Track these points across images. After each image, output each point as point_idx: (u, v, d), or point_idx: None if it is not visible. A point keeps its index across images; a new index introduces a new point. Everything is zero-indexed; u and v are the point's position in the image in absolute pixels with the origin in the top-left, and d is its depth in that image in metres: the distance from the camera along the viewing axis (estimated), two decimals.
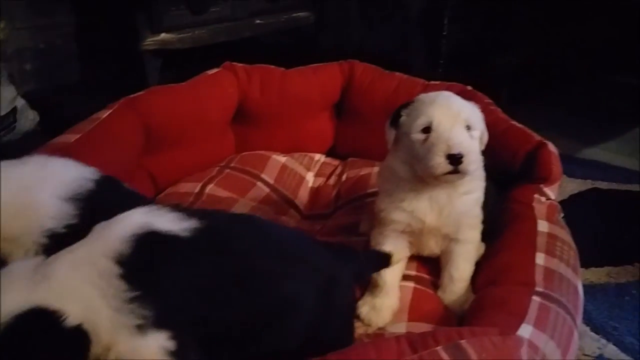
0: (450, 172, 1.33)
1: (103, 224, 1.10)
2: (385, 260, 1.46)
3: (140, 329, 0.99)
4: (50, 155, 1.42)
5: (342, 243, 1.65)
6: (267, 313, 1.11)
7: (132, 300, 1.00)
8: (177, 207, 1.15)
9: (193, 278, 1.05)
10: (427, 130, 1.36)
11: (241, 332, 1.09)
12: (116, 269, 1.01)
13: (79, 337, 0.98)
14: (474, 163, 1.36)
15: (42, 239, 1.22)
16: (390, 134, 1.45)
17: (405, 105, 1.44)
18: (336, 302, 1.22)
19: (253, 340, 1.10)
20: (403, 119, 1.42)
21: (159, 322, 1.00)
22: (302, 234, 1.49)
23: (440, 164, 1.32)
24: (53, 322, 0.97)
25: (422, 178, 1.40)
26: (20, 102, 2.86)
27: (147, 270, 1.03)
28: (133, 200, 1.30)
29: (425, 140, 1.36)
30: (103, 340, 0.99)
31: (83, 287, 1.01)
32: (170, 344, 1.00)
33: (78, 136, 1.71)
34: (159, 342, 0.99)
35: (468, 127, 1.37)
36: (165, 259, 1.05)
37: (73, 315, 0.98)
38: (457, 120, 1.35)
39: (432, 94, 1.44)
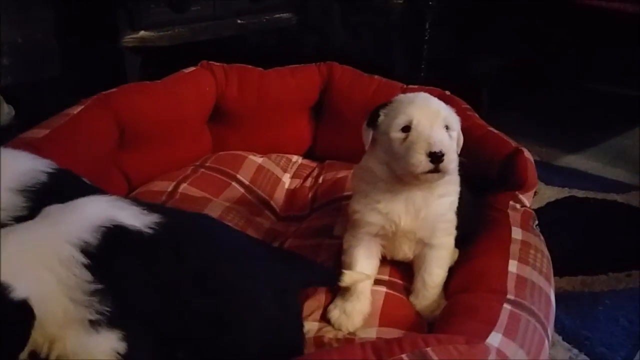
0: (430, 171, 1.32)
1: (60, 207, 1.06)
2: (333, 277, 1.44)
3: (94, 325, 0.95)
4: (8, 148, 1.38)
5: (290, 249, 1.67)
6: (226, 314, 1.09)
7: (93, 293, 0.96)
8: (136, 201, 1.12)
9: (155, 276, 1.02)
10: (406, 129, 1.35)
11: (198, 335, 1.06)
12: (81, 258, 0.97)
13: (24, 313, 0.93)
14: (454, 162, 1.35)
15: None
16: (368, 134, 1.43)
17: (383, 105, 1.43)
18: (289, 306, 1.23)
19: (211, 343, 1.07)
20: (381, 118, 1.40)
21: (114, 320, 0.96)
22: (252, 237, 1.49)
23: (421, 162, 1.31)
24: None
25: (400, 179, 1.39)
26: None
27: (112, 264, 1.00)
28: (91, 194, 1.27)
29: (405, 139, 1.34)
30: (48, 331, 0.95)
31: (35, 269, 0.96)
32: (121, 346, 0.96)
33: (47, 132, 1.67)
34: (110, 344, 0.96)
35: (447, 127, 1.37)
36: (130, 254, 1.02)
37: (19, 292, 0.93)
38: (436, 119, 1.35)
39: (410, 94, 1.44)
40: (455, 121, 1.42)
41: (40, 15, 3.22)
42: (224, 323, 1.08)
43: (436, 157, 1.30)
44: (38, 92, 3.12)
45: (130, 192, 1.99)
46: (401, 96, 1.44)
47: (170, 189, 1.93)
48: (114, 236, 1.02)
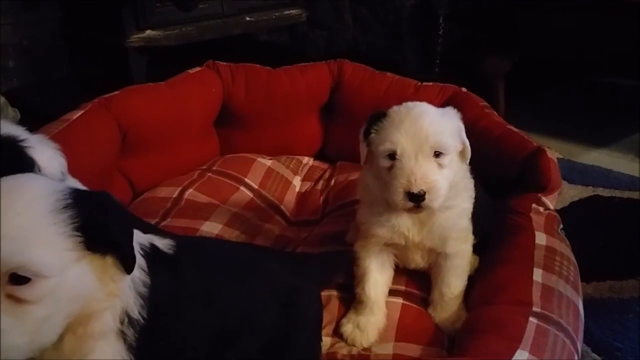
0: (412, 208, 1.23)
1: None
2: (340, 260, 1.44)
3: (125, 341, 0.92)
4: None
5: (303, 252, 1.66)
6: (227, 332, 1.07)
7: (142, 296, 0.94)
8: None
9: (173, 297, 1.00)
10: (392, 156, 1.24)
11: (200, 353, 1.04)
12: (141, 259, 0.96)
13: None
14: (440, 198, 1.24)
15: None
16: (363, 149, 1.32)
17: (377, 117, 1.29)
18: (300, 312, 1.20)
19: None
20: (373, 136, 1.29)
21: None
22: (257, 249, 1.48)
23: (400, 200, 1.22)
24: None
25: None
26: (0, 100, 2.76)
27: (153, 277, 0.97)
28: None
29: (391, 168, 1.24)
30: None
31: None
32: None
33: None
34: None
35: (437, 154, 1.24)
36: (163, 273, 1.00)
37: None
38: (423, 147, 1.22)
39: (403, 111, 1.28)
40: (452, 139, 1.28)
41: (46, 16, 3.17)
42: (225, 340, 1.07)
43: (415, 198, 1.21)
44: (44, 95, 3.08)
45: (134, 199, 1.92)
46: (394, 112, 1.29)
47: (175, 194, 1.86)
48: (154, 251, 1.01)
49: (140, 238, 0.99)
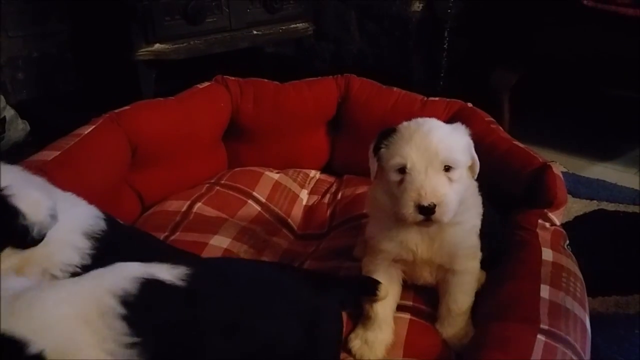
0: (422, 221, 1.24)
1: (99, 269, 1.06)
2: (371, 287, 1.38)
3: None
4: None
5: (325, 271, 1.62)
6: (251, 356, 1.07)
7: (131, 346, 0.95)
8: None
9: (186, 327, 1.01)
10: (402, 170, 1.25)
11: None
12: (120, 310, 0.97)
13: None
14: (450, 212, 1.24)
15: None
16: (373, 164, 1.33)
17: (387, 133, 1.31)
18: (322, 332, 1.19)
19: None
20: (382, 151, 1.30)
21: None
22: (281, 268, 1.47)
23: (410, 213, 1.23)
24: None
25: None
26: (10, 112, 2.79)
27: (150, 316, 0.99)
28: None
29: (401, 182, 1.26)
30: None
31: (70, 322, 0.94)
32: None
33: (57, 154, 1.61)
34: None
35: (447, 168, 1.26)
36: (165, 307, 1.02)
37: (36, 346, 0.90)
38: (433, 161, 1.24)
39: (412, 126, 1.29)
40: (461, 155, 1.29)
41: (55, 29, 3.20)
42: None
43: (425, 211, 1.22)
44: (53, 107, 3.10)
45: (143, 212, 1.94)
46: (404, 127, 1.30)
47: (184, 208, 1.88)
48: (152, 288, 1.02)
49: (134, 272, 1.02)
